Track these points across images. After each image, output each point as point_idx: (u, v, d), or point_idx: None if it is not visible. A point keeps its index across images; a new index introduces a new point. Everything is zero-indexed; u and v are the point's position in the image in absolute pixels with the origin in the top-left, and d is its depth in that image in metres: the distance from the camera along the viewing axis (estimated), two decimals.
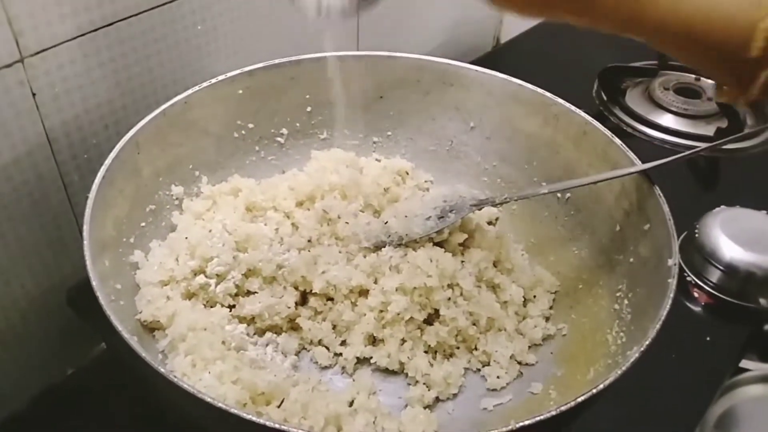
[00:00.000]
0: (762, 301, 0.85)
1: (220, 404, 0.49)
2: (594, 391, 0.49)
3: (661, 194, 0.65)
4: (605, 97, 1.19)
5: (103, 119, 0.75)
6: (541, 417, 0.47)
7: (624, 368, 0.51)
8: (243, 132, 0.83)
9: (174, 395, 0.52)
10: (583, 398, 0.49)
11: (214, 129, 0.80)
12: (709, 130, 1.11)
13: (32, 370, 0.80)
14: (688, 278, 0.88)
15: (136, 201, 0.72)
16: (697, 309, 0.86)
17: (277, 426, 0.47)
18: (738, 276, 0.85)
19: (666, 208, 0.63)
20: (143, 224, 0.73)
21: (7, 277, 0.74)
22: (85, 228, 0.60)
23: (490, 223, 0.83)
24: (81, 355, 0.83)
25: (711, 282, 0.87)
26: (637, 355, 0.52)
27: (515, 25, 1.42)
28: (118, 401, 0.76)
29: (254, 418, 0.48)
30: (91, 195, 0.63)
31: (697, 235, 0.88)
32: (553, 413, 0.48)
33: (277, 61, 0.81)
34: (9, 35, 0.64)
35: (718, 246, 0.86)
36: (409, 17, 1.17)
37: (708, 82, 1.20)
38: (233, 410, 0.49)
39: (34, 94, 0.68)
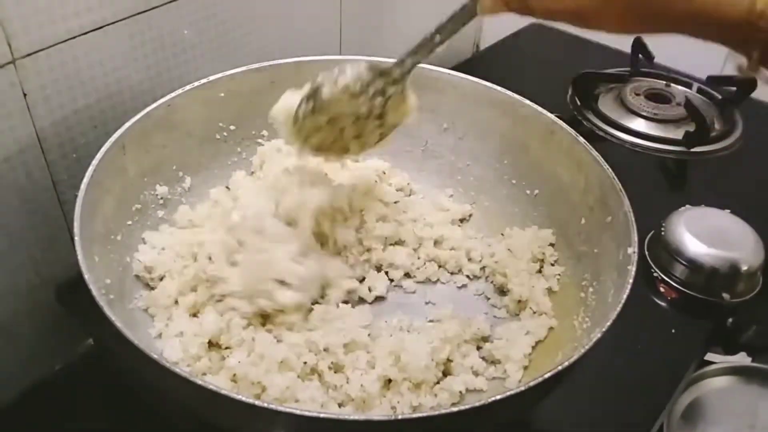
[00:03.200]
0: (725, 295, 0.88)
1: (211, 386, 0.50)
2: (560, 368, 0.52)
3: (622, 189, 0.68)
4: (579, 102, 1.23)
5: (92, 120, 0.77)
6: (512, 392, 0.50)
7: (586, 348, 0.53)
8: (225, 134, 0.85)
9: (165, 381, 0.54)
10: (549, 375, 0.51)
11: (196, 131, 0.82)
12: (678, 133, 1.14)
13: (21, 366, 0.81)
14: (655, 274, 0.91)
15: (122, 200, 0.74)
16: (664, 304, 0.89)
17: (265, 405, 0.49)
18: (702, 272, 0.88)
19: (626, 201, 0.66)
20: (129, 222, 0.75)
21: None
22: (76, 225, 0.62)
23: (462, 219, 0.86)
24: (69, 351, 0.85)
25: (676, 278, 0.90)
26: (599, 335, 0.54)
27: (494, 32, 1.45)
28: (105, 396, 0.78)
29: (244, 398, 0.50)
30: (80, 194, 0.65)
31: (663, 233, 0.91)
32: (522, 389, 0.50)
33: (257, 65, 0.84)
34: (1, 37, 0.66)
35: (683, 243, 0.89)
36: (390, 23, 1.19)
37: (678, 88, 1.24)
38: (223, 392, 0.50)
39: (25, 95, 0.70)
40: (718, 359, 0.90)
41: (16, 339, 0.81)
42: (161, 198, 0.80)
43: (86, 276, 0.58)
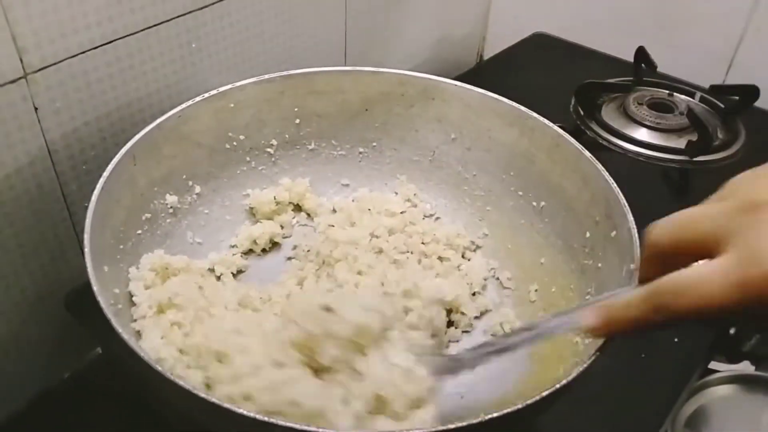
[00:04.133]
0: None
1: (213, 399, 0.50)
2: (557, 386, 0.52)
3: (626, 204, 0.69)
4: (582, 112, 1.23)
5: (102, 132, 0.79)
6: (509, 410, 0.50)
7: (584, 366, 0.54)
8: (234, 143, 0.86)
9: (170, 393, 0.54)
10: (546, 393, 0.52)
11: (206, 141, 0.83)
12: (680, 143, 1.14)
13: (30, 374, 0.82)
14: None
15: (132, 210, 0.74)
16: None
17: (272, 421, 0.49)
18: None
19: (630, 217, 0.67)
20: (139, 232, 0.75)
21: (7, 282, 0.77)
22: (86, 236, 0.62)
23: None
24: (77, 359, 0.86)
25: None
26: (597, 353, 0.55)
27: (498, 42, 1.46)
28: (113, 404, 0.79)
29: (246, 413, 0.50)
30: (91, 205, 0.65)
31: None
32: (520, 407, 0.51)
33: (266, 76, 0.84)
34: (13, 52, 0.67)
35: None
36: (394, 34, 1.20)
37: (681, 98, 1.24)
38: (226, 405, 0.50)
39: (36, 109, 0.71)
40: (721, 368, 0.91)
41: (24, 347, 0.82)
42: (171, 207, 0.80)
43: (95, 288, 0.58)
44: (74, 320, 0.80)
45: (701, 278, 0.42)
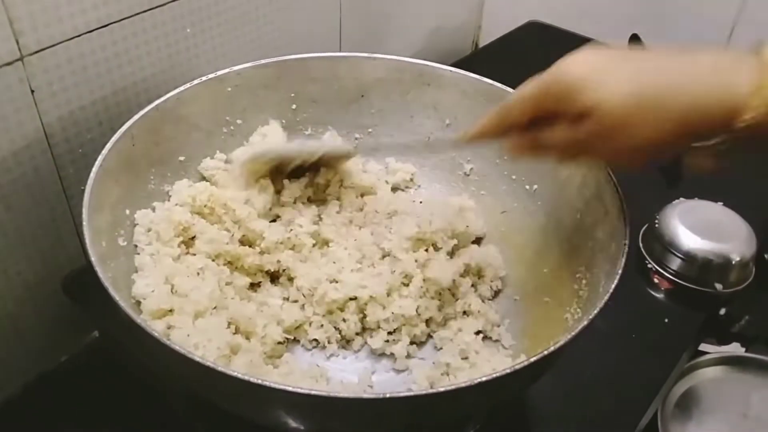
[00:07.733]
0: (718, 286, 0.89)
1: (209, 363, 0.51)
2: (545, 352, 0.53)
3: (617, 184, 0.69)
4: None
5: (98, 116, 0.79)
6: (498, 374, 0.51)
7: (573, 334, 0.55)
8: (232, 128, 0.86)
9: (170, 360, 0.55)
10: (535, 358, 0.53)
11: (204, 124, 0.83)
12: None
13: (27, 357, 0.83)
14: (650, 266, 0.92)
15: (130, 189, 0.75)
16: (658, 295, 0.91)
17: (262, 382, 0.50)
18: (695, 263, 0.90)
19: (621, 194, 0.68)
20: (137, 212, 0.75)
21: (4, 265, 0.77)
22: (84, 211, 0.63)
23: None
24: (74, 343, 0.87)
25: (671, 269, 0.91)
26: (585, 322, 0.56)
27: (493, 30, 1.47)
28: (110, 387, 0.79)
29: (241, 376, 0.50)
30: (90, 181, 0.65)
31: (657, 226, 0.93)
32: (508, 371, 0.52)
33: (263, 61, 0.85)
34: (10, 35, 0.67)
35: (677, 235, 0.91)
36: (390, 23, 1.21)
37: None
38: (221, 368, 0.51)
39: (32, 91, 0.72)
40: (711, 350, 0.92)
41: (22, 331, 0.82)
42: (168, 189, 0.80)
43: (93, 259, 0.59)
44: (72, 303, 0.81)
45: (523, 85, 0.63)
